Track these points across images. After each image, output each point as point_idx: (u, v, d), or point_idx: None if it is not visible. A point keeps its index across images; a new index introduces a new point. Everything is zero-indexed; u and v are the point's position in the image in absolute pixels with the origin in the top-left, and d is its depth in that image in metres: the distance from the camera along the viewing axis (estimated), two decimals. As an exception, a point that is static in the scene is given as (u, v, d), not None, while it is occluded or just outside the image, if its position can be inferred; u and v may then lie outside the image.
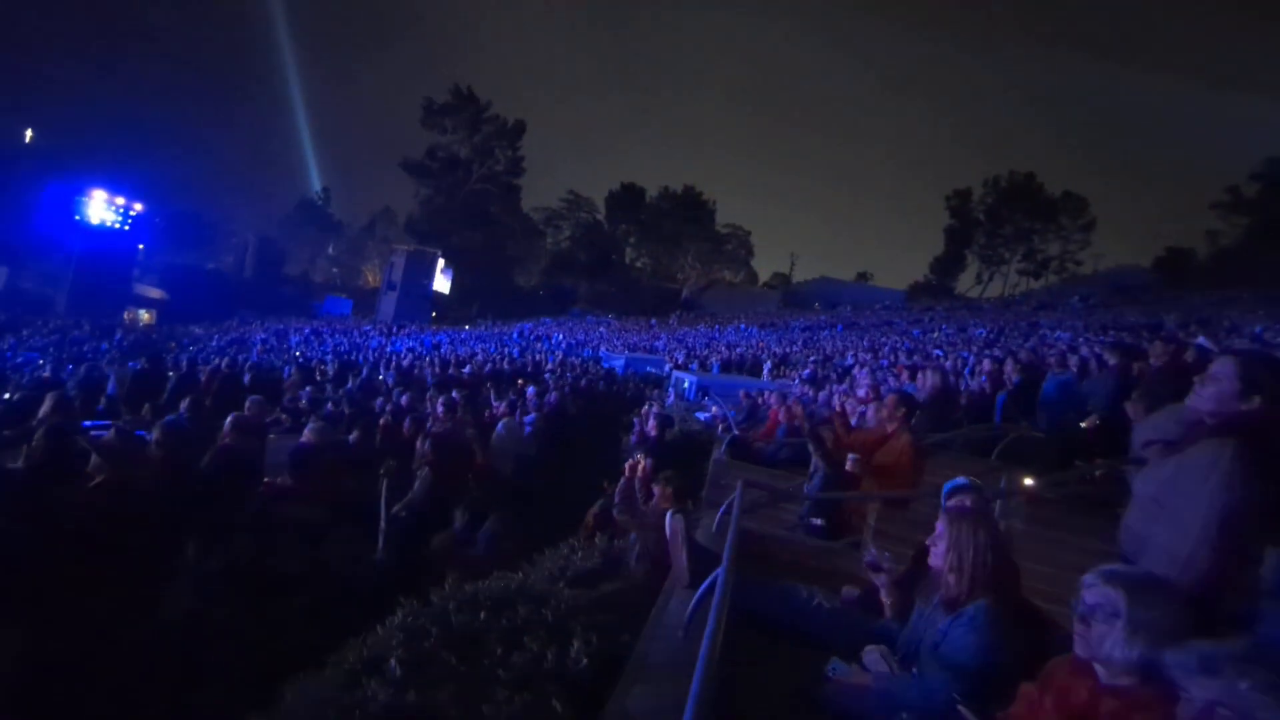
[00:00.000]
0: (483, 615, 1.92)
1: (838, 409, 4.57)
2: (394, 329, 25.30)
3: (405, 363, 11.45)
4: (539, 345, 21.50)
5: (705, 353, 18.92)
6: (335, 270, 49.85)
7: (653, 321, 34.13)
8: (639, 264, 52.17)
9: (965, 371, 7.49)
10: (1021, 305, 32.43)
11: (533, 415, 6.68)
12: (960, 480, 2.34)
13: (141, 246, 30.91)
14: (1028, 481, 2.91)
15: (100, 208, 26.36)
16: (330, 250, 50.69)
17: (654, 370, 15.92)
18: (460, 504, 3.96)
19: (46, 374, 8.75)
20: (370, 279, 46.67)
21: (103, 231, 26.59)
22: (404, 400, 6.83)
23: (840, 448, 3.33)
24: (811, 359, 15.11)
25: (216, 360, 9.83)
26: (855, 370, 10.09)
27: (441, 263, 38.62)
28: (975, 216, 48.23)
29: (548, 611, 1.92)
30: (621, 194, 51.16)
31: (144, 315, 27.77)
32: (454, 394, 6.71)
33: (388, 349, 16.28)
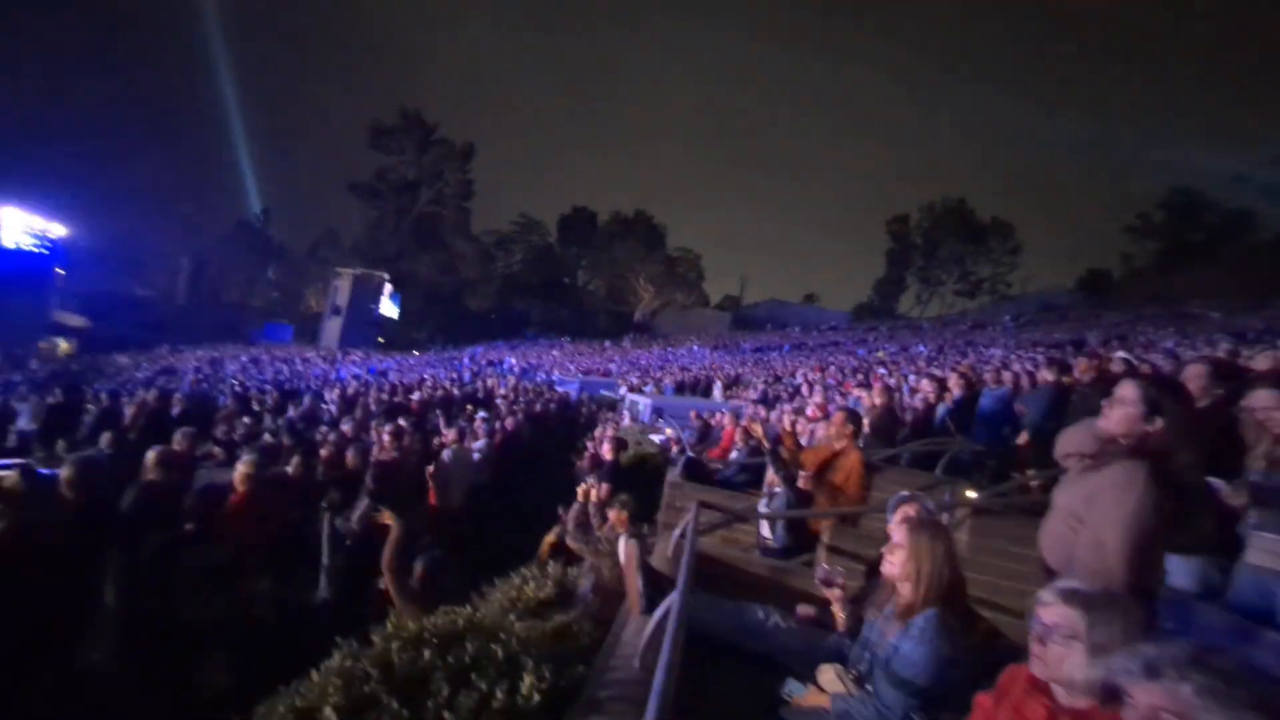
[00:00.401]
0: (427, 654, 1.83)
1: (788, 427, 4.64)
2: (338, 355, 24.45)
3: (350, 390, 11.04)
4: (491, 370, 21.14)
5: (659, 374, 19.00)
6: (275, 295, 47.94)
7: (606, 344, 34.16)
8: (591, 287, 52.36)
9: (905, 389, 7.75)
10: (959, 324, 34.01)
11: (483, 441, 6.53)
12: (904, 494, 2.40)
13: (61, 271, 29.03)
14: (970, 494, 3.00)
15: (14, 229, 24.68)
16: (270, 274, 48.78)
17: (608, 393, 15.86)
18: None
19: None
20: (314, 304, 45.05)
21: (16, 254, 24.85)
22: (347, 429, 6.57)
23: (793, 465, 3.37)
24: (762, 379, 15.36)
25: (142, 392, 9.24)
26: (804, 389, 10.31)
27: (389, 287, 37.73)
28: (913, 241, 50.63)
29: (498, 647, 1.84)
30: (573, 217, 51.49)
31: (62, 344, 25.96)
32: (400, 421, 6.50)
33: (331, 376, 15.70)
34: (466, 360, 24.81)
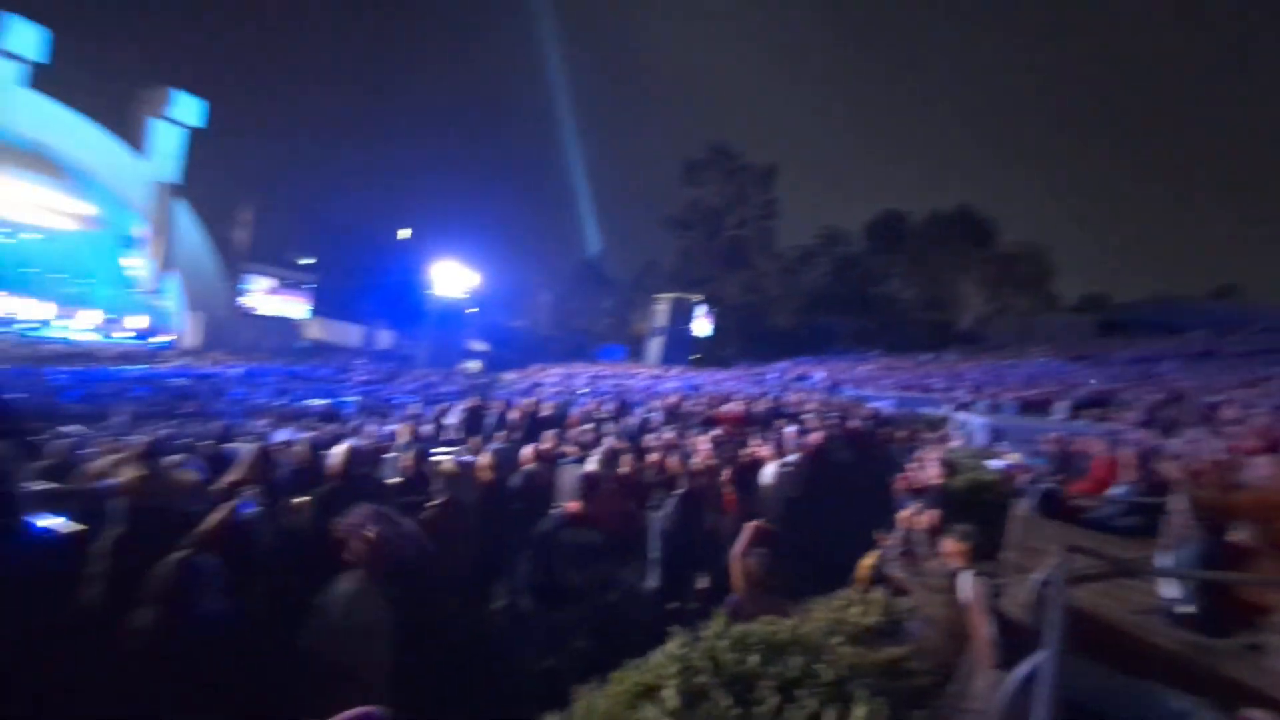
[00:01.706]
0: (753, 659, 1.85)
1: (1207, 460, 3.47)
2: (660, 371, 27.30)
3: (670, 402, 12.19)
4: (797, 385, 21.02)
5: (994, 391, 16.36)
6: (609, 321, 56.17)
7: (925, 357, 30.91)
8: (904, 296, 48.08)
9: None
10: None
11: (794, 456, 6.47)
12: None
13: (473, 310, 39.10)
14: None
15: (447, 283, 34.15)
16: (605, 304, 57.40)
17: (930, 411, 14.29)
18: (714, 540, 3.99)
19: (418, 412, 11.44)
20: (639, 327, 51.45)
21: (450, 302, 34.43)
22: (670, 436, 7.24)
23: (1218, 511, 2.51)
24: (1148, 398, 11.96)
25: (519, 400, 11.78)
26: (1223, 410, 7.65)
27: (703, 309, 40.71)
28: None
29: (824, 667, 1.76)
30: (881, 222, 48.14)
31: (474, 365, 34.72)
32: (715, 431, 6.89)
33: (655, 389, 17.58)
34: (774, 375, 25.18)
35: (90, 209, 22.55)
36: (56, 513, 2.59)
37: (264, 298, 29.12)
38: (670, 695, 1.62)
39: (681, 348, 37.87)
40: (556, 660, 2.75)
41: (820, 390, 19.29)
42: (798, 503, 5.60)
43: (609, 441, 6.63)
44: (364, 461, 3.31)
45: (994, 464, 6.80)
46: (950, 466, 5.60)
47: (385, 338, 39.16)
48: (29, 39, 19.17)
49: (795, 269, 50.41)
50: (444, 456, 4.39)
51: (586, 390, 16.94)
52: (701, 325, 41.09)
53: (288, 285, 30.47)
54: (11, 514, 2.04)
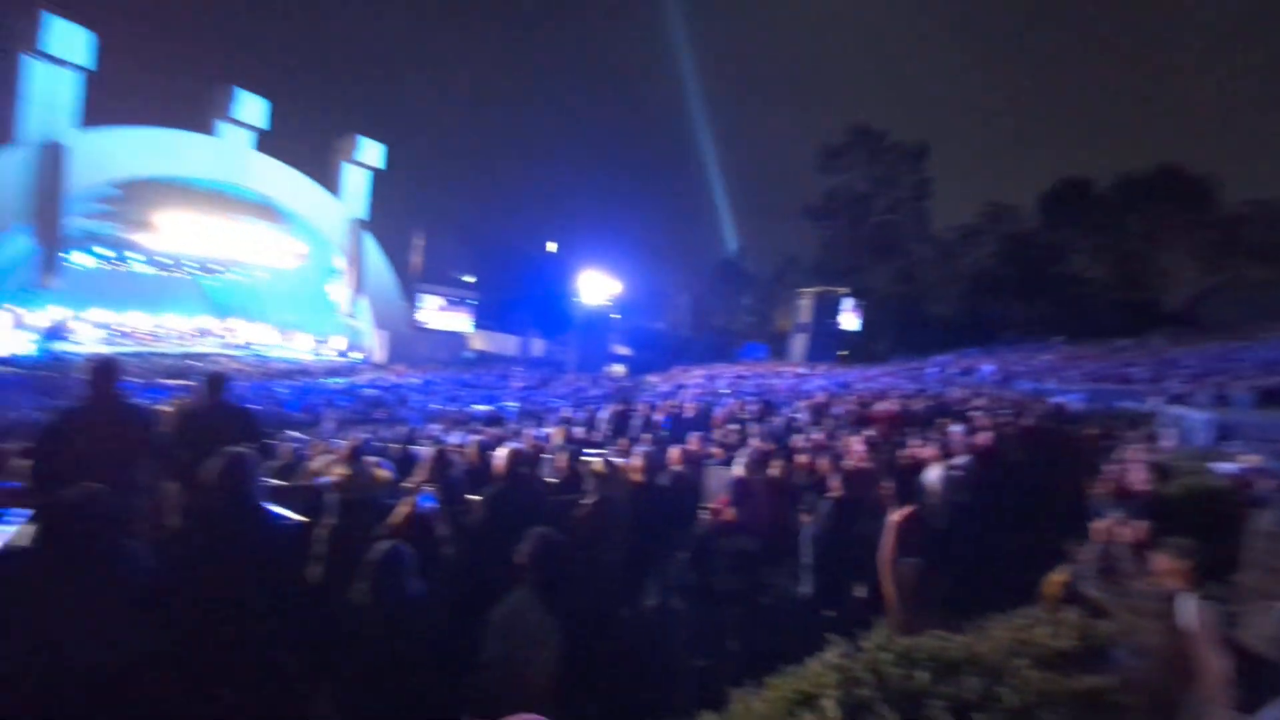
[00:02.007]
0: (922, 676, 1.72)
1: None
2: (805, 369, 26.37)
3: (817, 401, 11.72)
4: (962, 379, 19.18)
5: (1222, 380, 13.70)
6: (750, 319, 55.27)
7: (1121, 343, 26.71)
8: (1091, 274, 41.81)
9: None
10: None
11: (964, 459, 5.92)
12: None
13: (616, 316, 40.60)
14: None
15: (592, 291, 35.77)
16: (745, 301, 56.58)
17: (1131, 405, 12.31)
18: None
19: (569, 415, 12.14)
20: (782, 324, 50.05)
21: (594, 309, 36.02)
22: (818, 437, 6.96)
23: None
24: None
25: (662, 402, 12.01)
26: None
27: (850, 301, 38.65)
28: None
29: (1008, 691, 1.60)
30: (1061, 191, 42.22)
31: (618, 369, 36.03)
32: (868, 431, 6.51)
33: (800, 388, 17.02)
34: (933, 370, 23.21)
35: (302, 247, 26.78)
36: (285, 505, 3.10)
37: (435, 314, 32.60)
38: (830, 706, 1.57)
39: (828, 344, 36.22)
40: (709, 661, 2.77)
41: (990, 385, 17.45)
42: (967, 509, 5.13)
43: (754, 443, 6.54)
44: (525, 462, 3.58)
45: (1223, 468, 5.70)
46: (1161, 470, 4.80)
47: (538, 346, 42.00)
48: (256, 110, 23.22)
49: (955, 252, 45.95)
50: (594, 457, 4.60)
51: (728, 391, 16.83)
52: (849, 319, 38.96)
53: (454, 302, 33.82)
54: (256, 507, 2.48)
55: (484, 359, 34.77)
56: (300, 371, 23.70)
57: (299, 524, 2.95)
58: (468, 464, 4.65)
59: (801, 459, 5.96)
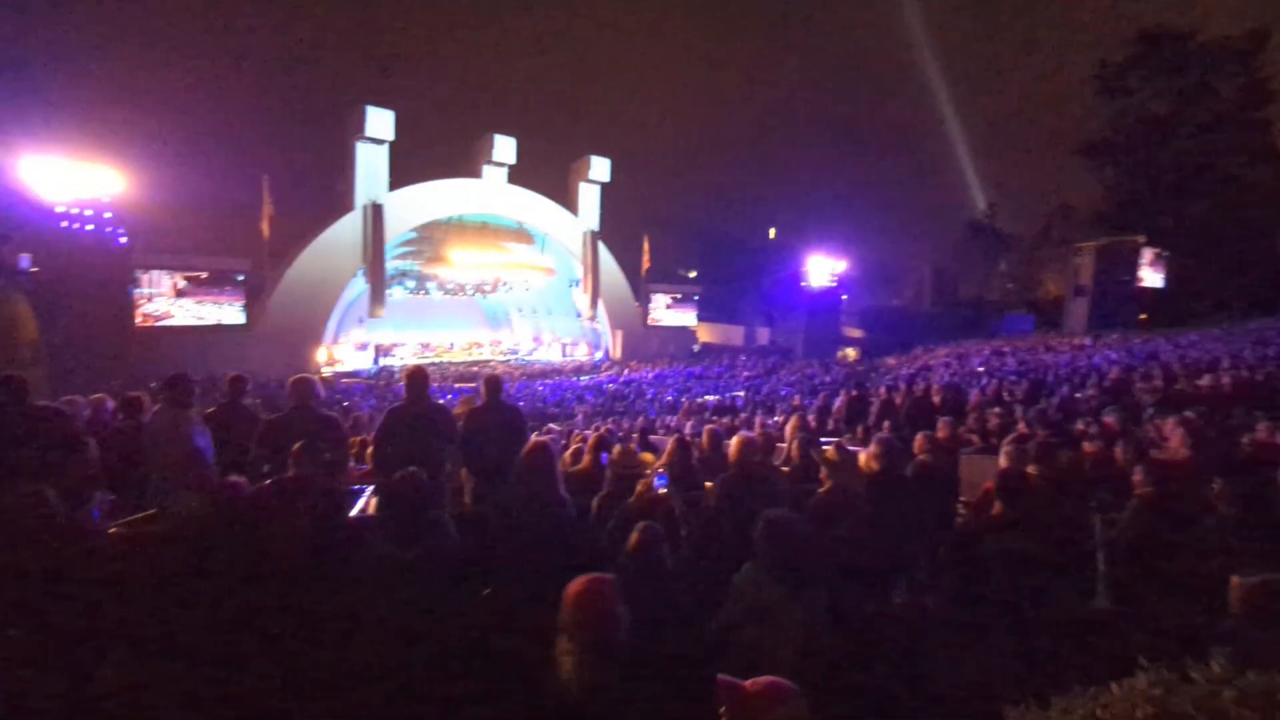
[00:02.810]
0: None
1: None
2: (1087, 341, 21.93)
3: (1110, 377, 9.65)
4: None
5: None
6: (1010, 286, 47.70)
7: None
8: None
9: None
10: None
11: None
12: None
13: (845, 297, 38.29)
14: None
15: (818, 273, 34.25)
16: (1002, 267, 48.99)
17: None
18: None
19: (795, 402, 11.84)
20: (1051, 288, 42.25)
21: (820, 291, 34.41)
22: (1111, 420, 5.72)
23: None
24: None
25: (904, 386, 10.98)
26: None
27: (1149, 252, 31.05)
28: None
29: None
30: None
31: (850, 352, 33.97)
32: (1186, 413, 5.15)
33: (1081, 363, 14.19)
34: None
35: (550, 262, 30.40)
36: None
37: (664, 311, 34.38)
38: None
39: (1119, 307, 29.48)
40: (975, 671, 2.46)
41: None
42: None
43: (1022, 428, 5.66)
44: (756, 450, 3.57)
45: None
46: None
47: (763, 334, 41.66)
48: (508, 149, 27.02)
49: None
50: (828, 446, 4.41)
51: (984, 370, 14.77)
52: (1148, 275, 31.26)
53: (680, 299, 35.26)
54: (556, 492, 2.94)
55: (711, 351, 35.62)
56: (554, 371, 27.02)
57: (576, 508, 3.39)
58: (701, 452, 4.80)
59: (1090, 447, 4.98)
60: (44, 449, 3.43)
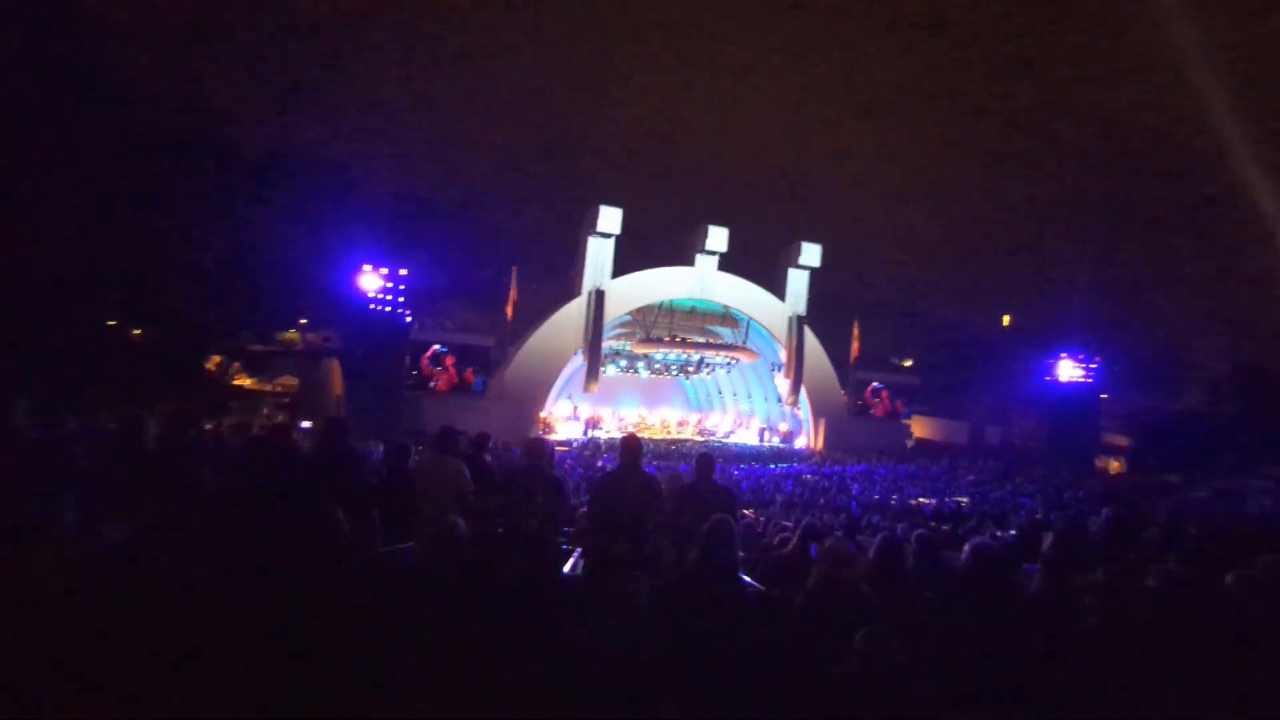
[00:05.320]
0: None
1: None
2: None
3: None
4: None
5: None
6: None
7: None
8: None
9: None
10: None
11: None
12: None
13: (1104, 396, 32.05)
14: None
15: (1068, 368, 29.36)
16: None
17: None
18: None
19: (1039, 515, 10.06)
20: None
21: (1070, 386, 29.29)
22: None
23: None
24: None
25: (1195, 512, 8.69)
26: None
27: None
28: None
29: None
30: None
31: (1113, 463, 28.08)
32: None
33: None
34: None
35: (753, 346, 30.61)
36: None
37: (872, 401, 32.09)
38: None
39: None
40: None
41: None
42: None
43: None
44: (991, 562, 3.11)
45: None
46: None
47: (994, 433, 36.51)
48: (720, 238, 28.45)
49: None
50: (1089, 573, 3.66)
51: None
52: None
53: (890, 388, 32.68)
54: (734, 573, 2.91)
55: (927, 448, 32.10)
56: (752, 456, 26.53)
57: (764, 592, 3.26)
58: (915, 560, 4.30)
59: None
60: (349, 480, 4.35)
